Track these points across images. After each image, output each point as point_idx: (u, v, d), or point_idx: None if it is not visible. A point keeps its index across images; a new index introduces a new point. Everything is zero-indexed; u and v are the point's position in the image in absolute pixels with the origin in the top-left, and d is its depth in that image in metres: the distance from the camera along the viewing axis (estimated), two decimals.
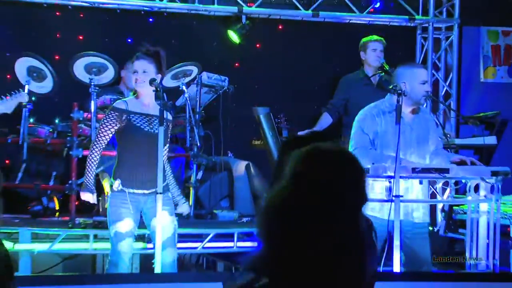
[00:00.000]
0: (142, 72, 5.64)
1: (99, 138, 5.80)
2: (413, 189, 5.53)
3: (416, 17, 9.05)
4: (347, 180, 1.97)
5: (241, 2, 8.59)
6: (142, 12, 8.61)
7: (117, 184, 5.67)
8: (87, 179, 5.85)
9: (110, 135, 5.75)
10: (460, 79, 9.10)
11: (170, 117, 5.98)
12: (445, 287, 5.20)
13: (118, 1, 8.40)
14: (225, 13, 8.73)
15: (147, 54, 5.73)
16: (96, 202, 6.29)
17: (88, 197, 5.86)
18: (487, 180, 5.87)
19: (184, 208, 6.15)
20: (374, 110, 5.87)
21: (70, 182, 6.90)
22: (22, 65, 7.11)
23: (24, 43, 8.01)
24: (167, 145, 5.94)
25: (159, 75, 5.74)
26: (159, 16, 8.68)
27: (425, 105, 8.57)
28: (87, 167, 5.84)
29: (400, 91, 5.54)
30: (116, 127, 5.70)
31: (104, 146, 5.85)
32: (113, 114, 5.69)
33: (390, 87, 5.69)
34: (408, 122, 5.71)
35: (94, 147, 5.81)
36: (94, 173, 5.90)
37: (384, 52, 7.76)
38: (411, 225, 5.57)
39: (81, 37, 8.58)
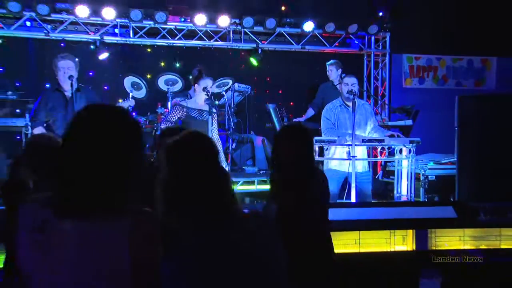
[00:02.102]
0: (210, 86, 5.70)
1: (168, 120, 5.71)
2: (357, 152, 5.51)
3: (364, 48, 8.99)
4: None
5: (258, 41, 8.56)
6: (198, 48, 8.54)
7: None
8: None
9: (174, 119, 5.67)
10: (391, 86, 9.03)
11: (214, 110, 5.93)
12: (381, 210, 5.15)
13: (184, 42, 8.36)
14: (248, 47, 8.65)
15: (208, 75, 5.84)
16: None
17: None
18: (406, 146, 5.89)
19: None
20: (331, 105, 5.92)
21: (155, 151, 6.89)
22: (127, 81, 7.15)
23: (129, 67, 8.06)
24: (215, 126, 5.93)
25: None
26: (208, 50, 8.61)
27: (370, 102, 8.63)
28: None
29: (354, 93, 5.56)
30: (178, 115, 5.65)
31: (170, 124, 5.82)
32: (177, 107, 5.71)
33: (347, 91, 5.75)
34: (352, 111, 5.65)
35: (163, 125, 5.81)
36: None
37: (343, 69, 7.70)
38: (358, 174, 5.56)
39: (162, 64, 8.63)
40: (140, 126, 1.83)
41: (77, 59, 5.61)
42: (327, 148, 5.71)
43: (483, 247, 4.99)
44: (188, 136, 1.96)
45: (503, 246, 5.00)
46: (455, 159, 5.93)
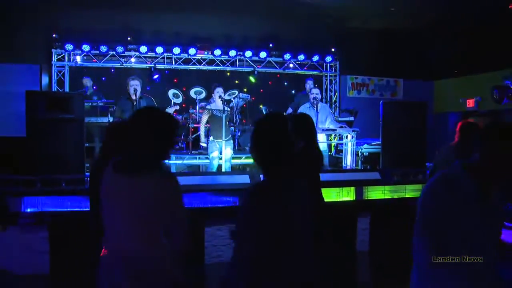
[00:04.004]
0: (222, 92, 5.71)
1: (201, 122, 5.81)
2: (319, 137, 5.55)
3: (323, 71, 8.98)
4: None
5: (254, 66, 8.55)
6: (216, 71, 8.51)
7: (211, 138, 5.59)
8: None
9: (204, 120, 5.74)
10: (340, 95, 9.04)
11: (228, 108, 5.86)
12: (334, 175, 5.09)
13: (207, 67, 8.32)
14: (248, 70, 8.64)
15: (221, 85, 5.84)
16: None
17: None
18: (350, 134, 5.99)
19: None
20: (303, 107, 6.01)
21: (188, 136, 6.74)
22: (170, 92, 7.16)
23: (171, 83, 8.03)
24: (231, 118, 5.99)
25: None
26: (223, 72, 8.59)
27: (330, 105, 8.58)
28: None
29: (317, 99, 5.69)
30: (206, 116, 5.73)
31: (203, 125, 5.86)
32: (205, 111, 5.80)
33: (313, 97, 5.82)
34: (316, 110, 5.75)
35: (201, 124, 5.88)
36: (201, 131, 5.91)
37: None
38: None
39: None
40: (172, 122, 1.83)
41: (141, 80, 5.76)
42: None
43: (395, 196, 5.07)
44: (265, 116, 1.86)
45: (407, 196, 5.07)
46: (380, 142, 5.88)
